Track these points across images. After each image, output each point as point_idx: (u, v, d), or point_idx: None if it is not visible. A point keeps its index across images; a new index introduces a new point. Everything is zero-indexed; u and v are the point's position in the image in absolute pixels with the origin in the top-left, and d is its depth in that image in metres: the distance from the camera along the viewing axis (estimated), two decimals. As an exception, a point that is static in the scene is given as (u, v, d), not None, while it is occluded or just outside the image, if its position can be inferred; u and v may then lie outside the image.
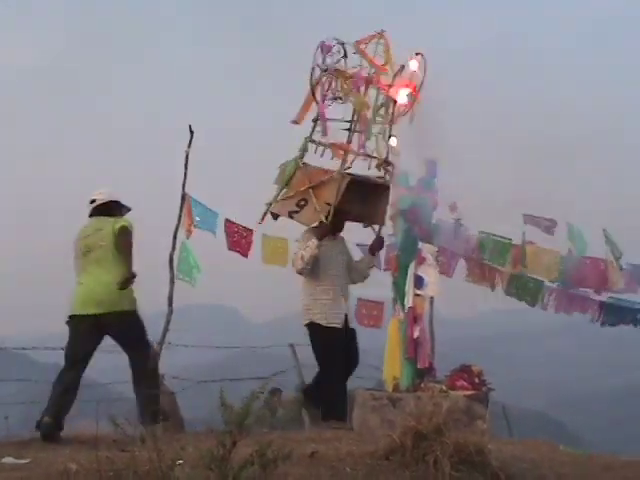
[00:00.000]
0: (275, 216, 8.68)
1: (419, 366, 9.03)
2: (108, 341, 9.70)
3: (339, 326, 7.79)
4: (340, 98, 8.56)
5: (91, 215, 7.58)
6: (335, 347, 7.83)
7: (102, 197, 7.61)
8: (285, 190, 8.60)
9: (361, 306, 10.65)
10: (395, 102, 8.51)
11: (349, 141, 8.55)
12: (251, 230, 10.38)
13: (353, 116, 8.56)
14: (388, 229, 8.92)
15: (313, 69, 8.58)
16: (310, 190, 8.37)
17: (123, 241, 7.22)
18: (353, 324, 8.57)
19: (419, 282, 9.12)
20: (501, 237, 9.71)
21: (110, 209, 7.52)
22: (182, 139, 9.79)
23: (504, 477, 5.09)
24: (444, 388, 8.78)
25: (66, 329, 7.42)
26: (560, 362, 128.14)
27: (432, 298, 9.33)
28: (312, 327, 7.91)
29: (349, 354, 7.94)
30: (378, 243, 8.48)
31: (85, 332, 7.22)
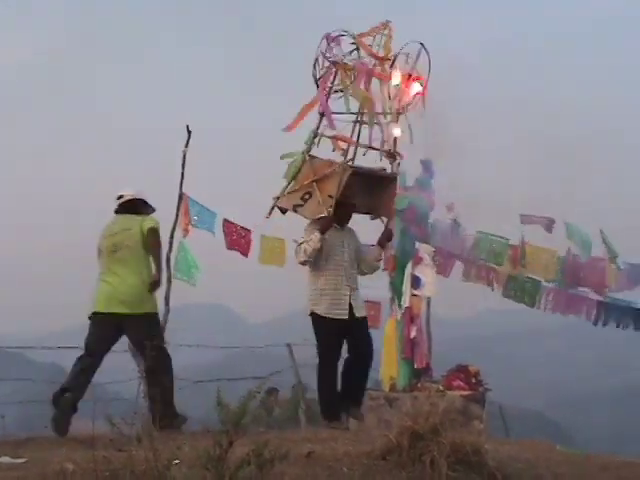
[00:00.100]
0: (283, 210, 8.64)
1: (416, 366, 9.04)
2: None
3: (340, 317, 7.73)
4: (341, 91, 8.57)
5: (117, 212, 7.60)
6: (332, 338, 7.78)
7: (130, 194, 7.64)
8: (292, 184, 8.58)
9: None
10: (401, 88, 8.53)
11: (353, 134, 8.53)
12: (249, 230, 10.40)
13: (360, 109, 8.56)
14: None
15: (316, 60, 8.58)
16: (314, 183, 8.36)
17: (153, 242, 7.29)
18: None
19: (416, 282, 9.12)
20: (498, 237, 9.71)
21: (136, 207, 7.55)
22: (182, 139, 9.80)
23: (501, 477, 5.08)
24: (441, 388, 8.79)
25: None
26: (557, 362, 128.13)
27: (429, 298, 9.34)
28: (313, 317, 7.89)
29: (356, 344, 7.85)
30: (387, 235, 8.44)
31: (105, 330, 7.25)
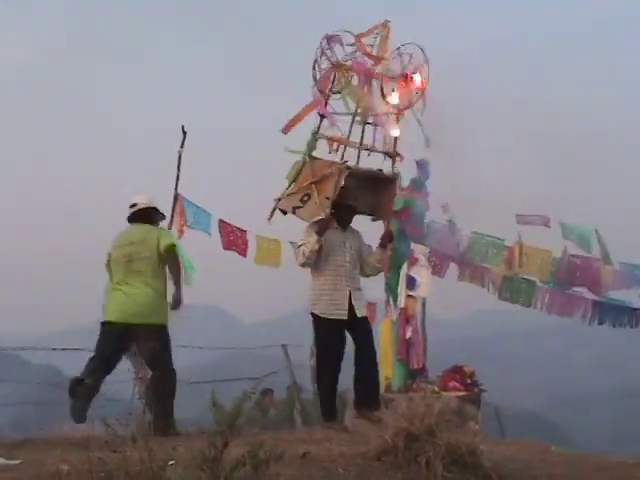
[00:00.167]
0: (284, 212, 8.62)
1: (412, 367, 9.06)
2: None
3: (339, 317, 7.70)
4: (339, 92, 8.55)
5: (130, 220, 7.58)
6: (330, 338, 7.76)
7: (143, 202, 7.61)
8: (293, 185, 8.55)
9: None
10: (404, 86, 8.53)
11: (350, 134, 8.50)
12: (245, 231, 10.41)
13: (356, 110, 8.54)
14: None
15: (316, 61, 8.56)
16: (313, 185, 8.34)
17: (172, 260, 7.32)
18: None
19: (411, 283, 9.14)
20: (494, 238, 9.72)
21: (149, 215, 7.55)
22: (180, 139, 9.80)
23: (496, 478, 5.09)
24: (436, 389, 8.81)
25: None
26: (553, 363, 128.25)
27: (424, 299, 9.35)
28: (312, 317, 7.89)
29: (359, 344, 7.82)
30: (388, 236, 8.43)
31: (118, 339, 7.29)
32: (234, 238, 10.37)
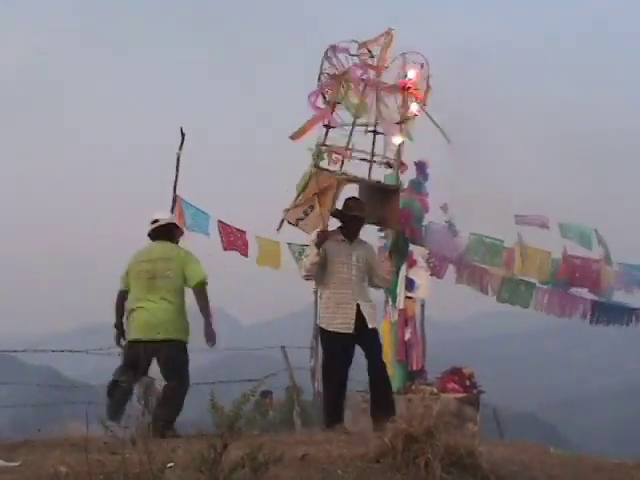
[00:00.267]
0: (291, 223, 8.63)
1: (411, 368, 9.06)
2: (99, 343, 9.70)
3: (345, 330, 7.66)
4: (339, 102, 8.52)
5: (151, 235, 7.70)
6: (335, 351, 7.74)
7: (165, 218, 7.83)
8: (301, 196, 8.53)
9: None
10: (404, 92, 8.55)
11: (348, 145, 8.48)
12: (244, 231, 10.44)
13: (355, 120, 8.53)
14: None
15: (321, 72, 8.53)
16: (315, 197, 8.33)
17: (202, 295, 7.45)
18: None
19: (410, 284, 9.15)
20: (493, 239, 9.72)
21: (170, 231, 7.69)
22: (179, 140, 9.83)
23: (495, 479, 5.10)
24: (435, 390, 8.81)
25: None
26: (551, 364, 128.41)
27: (423, 300, 9.36)
28: (320, 330, 7.88)
29: (368, 356, 7.78)
30: (397, 248, 8.40)
31: (143, 357, 7.39)
32: (234, 239, 10.41)
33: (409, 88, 8.63)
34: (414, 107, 8.70)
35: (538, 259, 9.71)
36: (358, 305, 7.63)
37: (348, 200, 7.93)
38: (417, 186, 9.41)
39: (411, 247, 9.31)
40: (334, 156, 8.45)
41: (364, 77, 8.48)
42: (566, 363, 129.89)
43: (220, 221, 10.36)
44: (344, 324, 7.60)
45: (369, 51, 8.57)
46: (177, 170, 9.76)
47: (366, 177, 8.71)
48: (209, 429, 4.60)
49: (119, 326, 7.59)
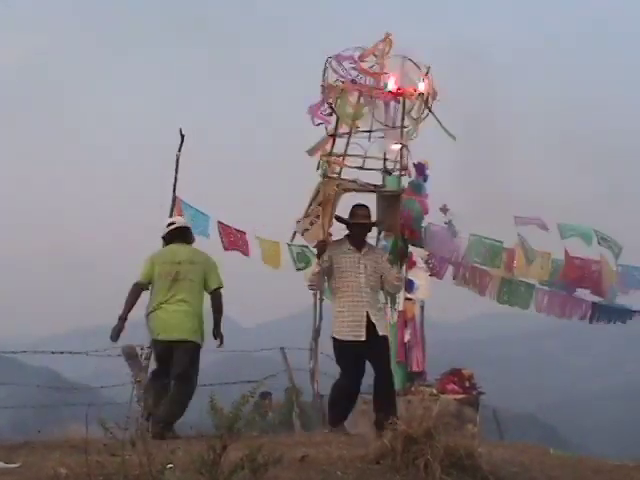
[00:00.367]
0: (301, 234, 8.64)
1: (411, 370, 9.06)
2: (99, 345, 9.69)
3: (355, 339, 7.63)
4: (334, 111, 8.48)
5: (166, 237, 7.97)
6: (347, 360, 7.73)
7: (181, 222, 8.24)
8: (312, 207, 8.51)
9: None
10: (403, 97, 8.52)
11: (345, 152, 8.46)
12: (244, 232, 10.46)
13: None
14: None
15: (324, 82, 8.50)
16: (320, 207, 8.32)
17: (217, 300, 7.80)
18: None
19: (410, 286, 9.14)
20: (492, 240, 9.72)
21: (185, 234, 7.97)
22: (178, 141, 9.84)
23: (494, 480, 5.10)
24: (435, 392, 8.81)
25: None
26: (551, 365, 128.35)
27: (423, 302, 9.35)
28: (332, 340, 7.87)
29: (375, 364, 7.75)
30: (400, 252, 8.38)
31: (165, 354, 7.66)
32: (235, 239, 10.44)
33: (409, 93, 8.59)
34: (414, 111, 8.67)
35: (538, 260, 9.72)
36: (368, 313, 7.62)
37: (354, 207, 7.91)
38: (416, 187, 9.41)
39: (410, 248, 9.31)
40: (333, 165, 8.44)
41: (361, 83, 8.43)
42: (566, 364, 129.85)
43: (220, 222, 10.38)
44: (355, 332, 7.60)
45: (375, 56, 8.54)
46: (176, 171, 9.78)
47: (373, 184, 8.65)
48: (208, 430, 4.60)
49: (123, 319, 7.63)
